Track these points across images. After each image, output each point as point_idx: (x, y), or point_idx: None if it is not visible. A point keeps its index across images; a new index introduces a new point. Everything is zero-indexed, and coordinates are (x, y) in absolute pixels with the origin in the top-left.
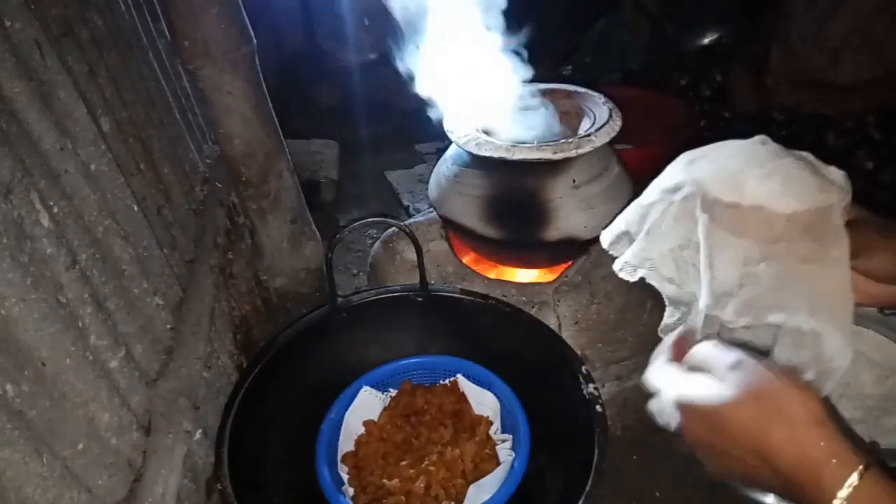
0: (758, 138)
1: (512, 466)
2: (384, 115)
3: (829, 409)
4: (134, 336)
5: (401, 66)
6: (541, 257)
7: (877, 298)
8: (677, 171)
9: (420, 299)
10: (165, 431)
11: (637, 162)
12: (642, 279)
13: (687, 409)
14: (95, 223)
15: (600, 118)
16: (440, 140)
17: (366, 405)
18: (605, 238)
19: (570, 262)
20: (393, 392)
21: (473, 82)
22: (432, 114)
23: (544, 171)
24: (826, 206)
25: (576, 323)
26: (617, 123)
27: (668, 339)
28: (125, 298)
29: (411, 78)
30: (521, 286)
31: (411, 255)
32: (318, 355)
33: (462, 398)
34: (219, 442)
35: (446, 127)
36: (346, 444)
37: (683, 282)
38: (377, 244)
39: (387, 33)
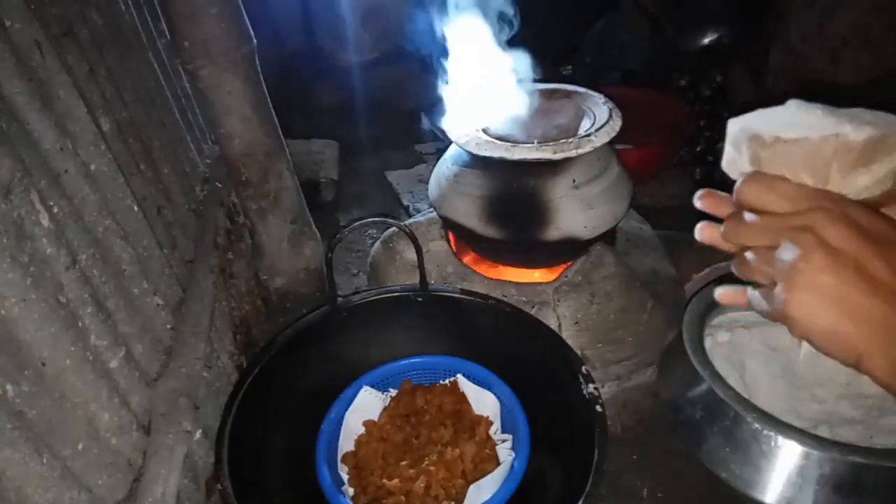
0: (792, 101)
1: (512, 466)
2: (384, 115)
3: None
4: (134, 336)
5: (402, 67)
6: (541, 257)
7: None
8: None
9: (420, 299)
10: (165, 431)
11: (637, 162)
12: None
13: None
14: (95, 223)
15: (600, 118)
16: (440, 140)
17: (366, 405)
18: None
19: (570, 262)
20: (393, 392)
21: (473, 82)
22: (428, 118)
23: (544, 171)
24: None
25: (576, 323)
26: (617, 123)
27: None
28: (125, 298)
29: (412, 78)
30: (521, 286)
31: (411, 255)
32: (318, 355)
33: (462, 398)
34: (219, 442)
35: (446, 127)
36: (346, 444)
37: None
38: (377, 244)
39: (387, 33)
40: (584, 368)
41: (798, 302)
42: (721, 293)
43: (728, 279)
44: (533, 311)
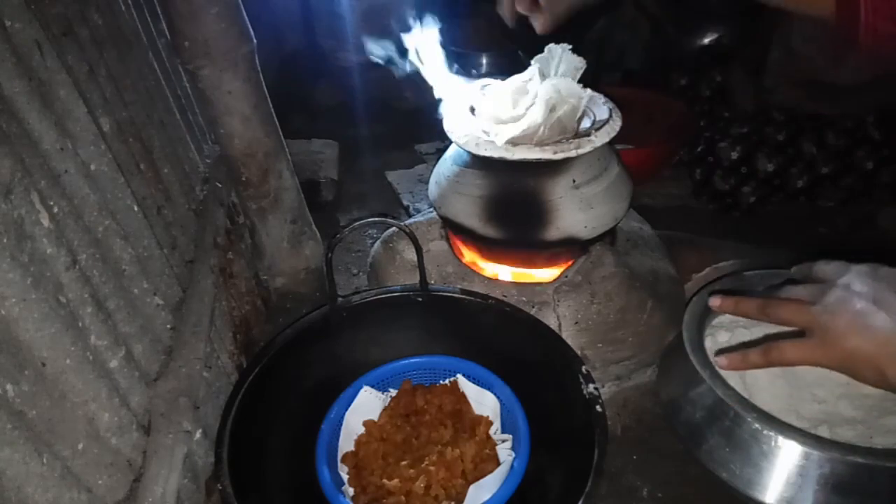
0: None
1: (512, 466)
2: (384, 115)
3: None
4: (134, 336)
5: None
6: (541, 257)
7: None
8: None
9: (420, 299)
10: (165, 431)
11: (637, 162)
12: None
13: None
14: (95, 223)
15: (600, 118)
16: (440, 140)
17: (366, 405)
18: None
19: (570, 262)
20: (393, 392)
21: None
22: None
23: (544, 171)
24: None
25: (576, 323)
26: (617, 123)
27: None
28: (125, 298)
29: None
30: (521, 286)
31: (411, 255)
32: (318, 355)
33: (462, 398)
34: (219, 442)
35: (446, 127)
36: (346, 444)
37: None
38: (377, 244)
39: (386, 33)
40: (584, 368)
41: (835, 333)
42: (717, 303)
43: (726, 282)
44: (533, 311)
